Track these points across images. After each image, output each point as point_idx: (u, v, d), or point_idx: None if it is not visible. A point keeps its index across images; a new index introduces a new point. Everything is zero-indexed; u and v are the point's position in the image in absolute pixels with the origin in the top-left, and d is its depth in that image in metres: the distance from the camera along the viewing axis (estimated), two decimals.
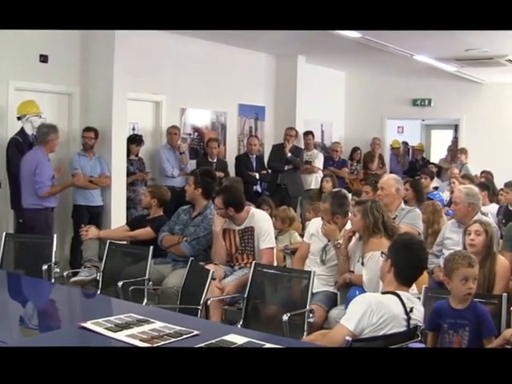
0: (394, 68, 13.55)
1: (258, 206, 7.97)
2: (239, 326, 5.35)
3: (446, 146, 16.03)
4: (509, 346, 3.99)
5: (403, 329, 3.93)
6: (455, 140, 15.78)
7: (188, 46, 10.61)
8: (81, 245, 7.48)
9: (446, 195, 10.20)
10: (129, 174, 9.67)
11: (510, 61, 11.09)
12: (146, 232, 7.06)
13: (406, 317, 3.96)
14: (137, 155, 9.96)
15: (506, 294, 4.89)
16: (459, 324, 4.33)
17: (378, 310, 3.94)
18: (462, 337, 4.31)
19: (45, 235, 7.17)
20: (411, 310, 3.99)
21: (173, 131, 10.43)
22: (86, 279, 6.86)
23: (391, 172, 13.44)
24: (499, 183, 10.04)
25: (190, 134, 11.40)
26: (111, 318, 3.61)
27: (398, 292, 4.08)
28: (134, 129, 10.30)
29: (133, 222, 7.71)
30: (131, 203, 9.66)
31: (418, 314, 4.08)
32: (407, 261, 4.21)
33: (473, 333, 4.27)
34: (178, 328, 3.45)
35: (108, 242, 6.72)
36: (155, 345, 3.19)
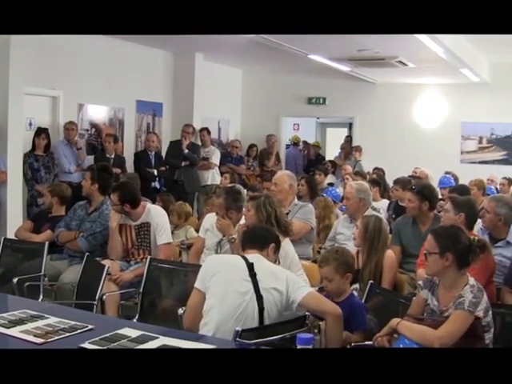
0: (290, 67, 13.72)
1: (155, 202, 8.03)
2: (135, 320, 5.38)
3: (340, 143, 16.34)
4: (395, 335, 4.15)
5: (246, 282, 4.11)
6: (348, 139, 16.12)
7: (86, 42, 10.51)
8: None
9: (340, 191, 10.47)
10: (33, 169, 9.54)
11: (400, 62, 11.43)
12: (47, 237, 6.91)
13: (246, 271, 4.15)
14: (45, 151, 9.79)
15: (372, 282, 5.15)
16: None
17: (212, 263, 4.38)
18: None
19: None
20: (252, 266, 4.19)
21: (70, 127, 10.33)
22: None
23: (287, 168, 13.66)
24: (391, 180, 10.34)
25: (87, 130, 11.31)
26: (4, 315, 3.62)
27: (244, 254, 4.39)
28: (30, 124, 10.12)
29: (36, 218, 7.66)
30: (33, 200, 9.52)
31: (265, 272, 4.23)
32: None
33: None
34: (73, 323, 3.49)
35: (3, 238, 6.66)
36: (49, 340, 3.23)
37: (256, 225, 5.08)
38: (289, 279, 4.18)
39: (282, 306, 4.12)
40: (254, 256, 4.30)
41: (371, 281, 5.15)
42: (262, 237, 4.54)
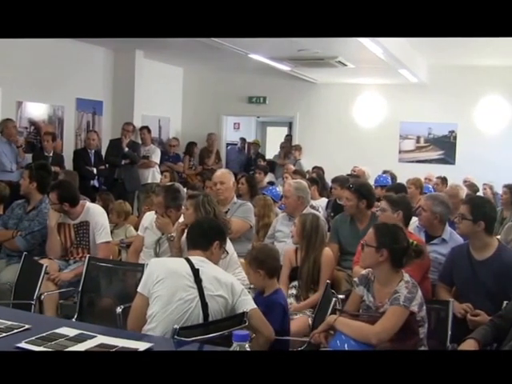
0: (231, 65, 13.78)
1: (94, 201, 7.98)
2: (74, 319, 5.35)
3: (280, 142, 16.43)
4: (332, 332, 4.21)
5: (191, 289, 4.08)
6: (289, 138, 16.22)
7: (24, 38, 10.37)
8: None
9: (280, 190, 10.54)
10: None
11: (340, 62, 11.54)
12: None
13: (192, 277, 4.11)
14: None
15: (329, 282, 5.23)
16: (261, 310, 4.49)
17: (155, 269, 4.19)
18: None
19: None
20: (197, 272, 4.14)
21: (11, 124, 10.15)
22: None
23: (227, 167, 13.70)
24: (331, 178, 10.42)
25: (26, 128, 11.15)
26: None
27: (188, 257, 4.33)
28: None
29: None
30: None
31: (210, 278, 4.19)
32: None
33: None
34: (10, 323, 3.45)
35: None
36: None
37: (198, 221, 4.93)
38: (234, 287, 4.17)
39: (227, 313, 4.12)
40: (198, 259, 4.25)
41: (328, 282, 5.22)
42: (204, 236, 4.46)
